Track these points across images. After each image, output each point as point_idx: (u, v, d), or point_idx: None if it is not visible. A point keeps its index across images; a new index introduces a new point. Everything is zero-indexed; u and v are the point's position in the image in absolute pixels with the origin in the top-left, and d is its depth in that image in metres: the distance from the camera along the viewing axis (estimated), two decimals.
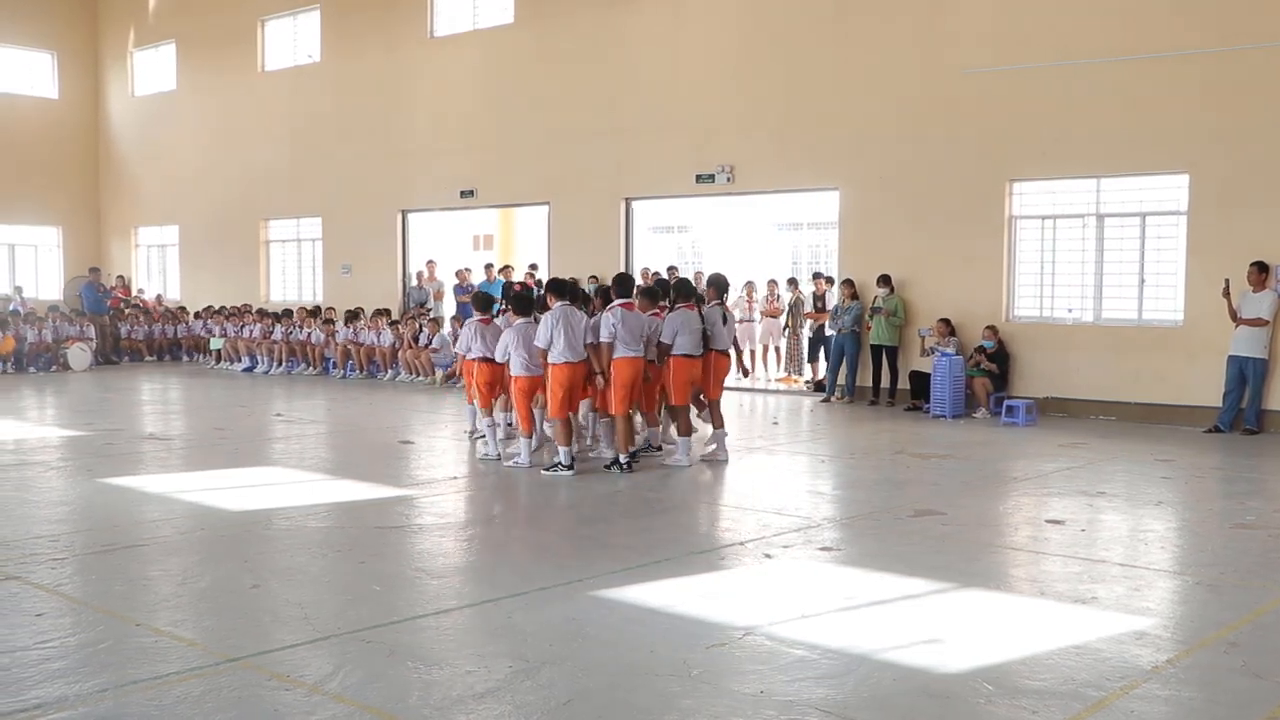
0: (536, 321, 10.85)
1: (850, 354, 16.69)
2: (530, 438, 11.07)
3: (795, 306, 19.31)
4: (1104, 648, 5.55)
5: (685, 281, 11.44)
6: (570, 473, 10.41)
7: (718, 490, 10.19)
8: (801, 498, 9.49)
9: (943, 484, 10.10)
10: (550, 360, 10.51)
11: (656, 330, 10.95)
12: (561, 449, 10.51)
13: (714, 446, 11.37)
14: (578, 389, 10.67)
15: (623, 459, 10.63)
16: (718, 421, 11.41)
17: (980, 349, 15.36)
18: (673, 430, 11.48)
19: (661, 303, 11.29)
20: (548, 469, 10.55)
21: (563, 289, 10.80)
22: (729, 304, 12.54)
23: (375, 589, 6.60)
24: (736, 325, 19.30)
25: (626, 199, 19.90)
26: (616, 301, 10.73)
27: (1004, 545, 7.89)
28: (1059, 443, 12.68)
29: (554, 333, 10.40)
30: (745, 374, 13.31)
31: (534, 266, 21.88)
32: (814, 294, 18.66)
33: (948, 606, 6.27)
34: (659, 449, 11.64)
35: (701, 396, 11.57)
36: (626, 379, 10.59)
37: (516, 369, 10.83)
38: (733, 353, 12.59)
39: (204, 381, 20.71)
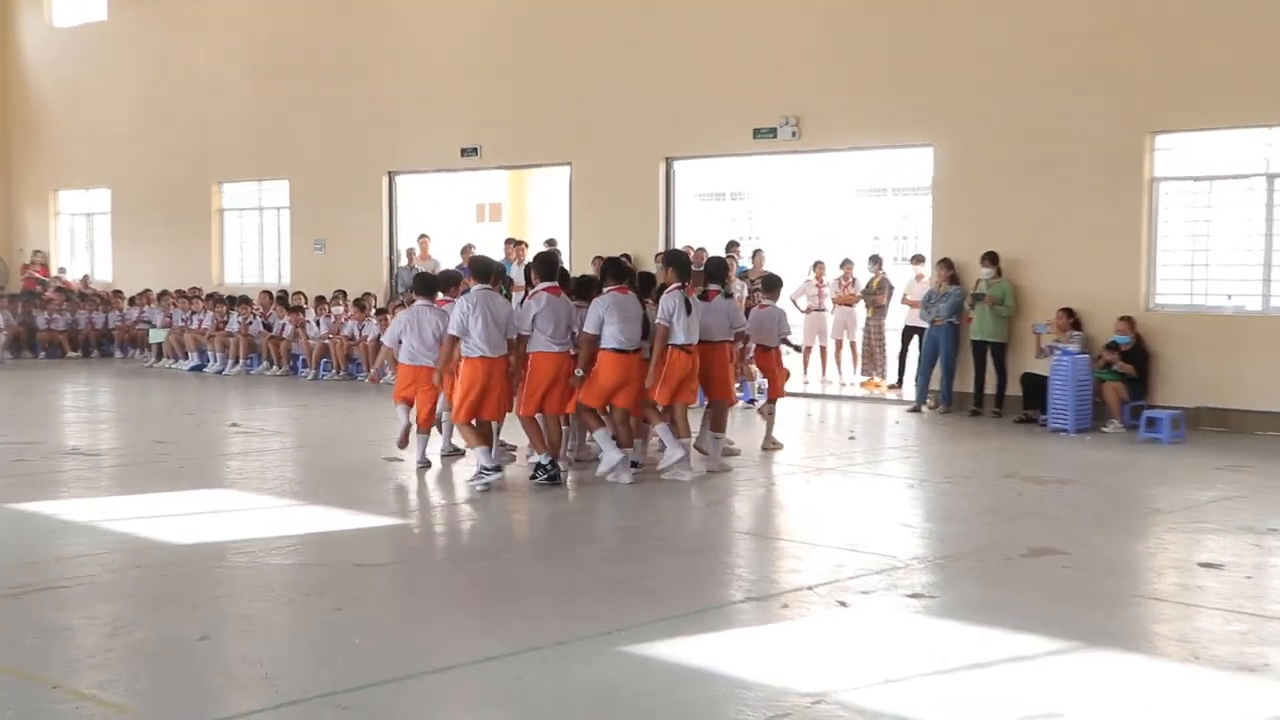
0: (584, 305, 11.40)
1: (946, 352, 16.63)
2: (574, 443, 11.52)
3: (876, 291, 19.33)
4: None
5: (615, 260, 11.78)
6: (497, 474, 10.76)
7: (779, 521, 10.24)
8: (884, 531, 9.45)
9: (1064, 516, 10.05)
10: (465, 353, 10.81)
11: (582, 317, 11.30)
12: (477, 451, 10.83)
13: (675, 459, 11.40)
14: (491, 388, 10.83)
15: (542, 459, 11.04)
16: (682, 428, 11.47)
17: (1112, 346, 15.25)
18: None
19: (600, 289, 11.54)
20: (473, 479, 10.90)
21: (552, 270, 11.26)
22: (793, 291, 12.59)
23: (354, 642, 6.62)
24: (803, 314, 19.39)
25: (667, 159, 19.83)
26: (540, 286, 11.17)
27: (1144, 595, 7.85)
28: (1215, 465, 12.58)
29: (469, 321, 10.70)
30: (752, 375, 13.43)
31: (551, 243, 21.87)
32: (873, 281, 18.67)
33: (1070, 672, 6.21)
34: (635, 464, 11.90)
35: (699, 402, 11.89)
36: (542, 379, 11.05)
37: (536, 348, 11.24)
38: (777, 349, 12.75)
39: (141, 383, 20.85)
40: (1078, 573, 8.18)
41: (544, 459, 11.07)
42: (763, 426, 13.40)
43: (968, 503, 10.64)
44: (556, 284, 11.23)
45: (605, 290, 11.26)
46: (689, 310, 11.18)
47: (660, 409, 11.32)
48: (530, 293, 11.44)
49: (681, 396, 11.39)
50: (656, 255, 18.35)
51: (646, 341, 11.31)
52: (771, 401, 13.47)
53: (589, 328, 11.02)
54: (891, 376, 19.05)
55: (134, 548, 8.70)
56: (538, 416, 11.19)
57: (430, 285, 12.35)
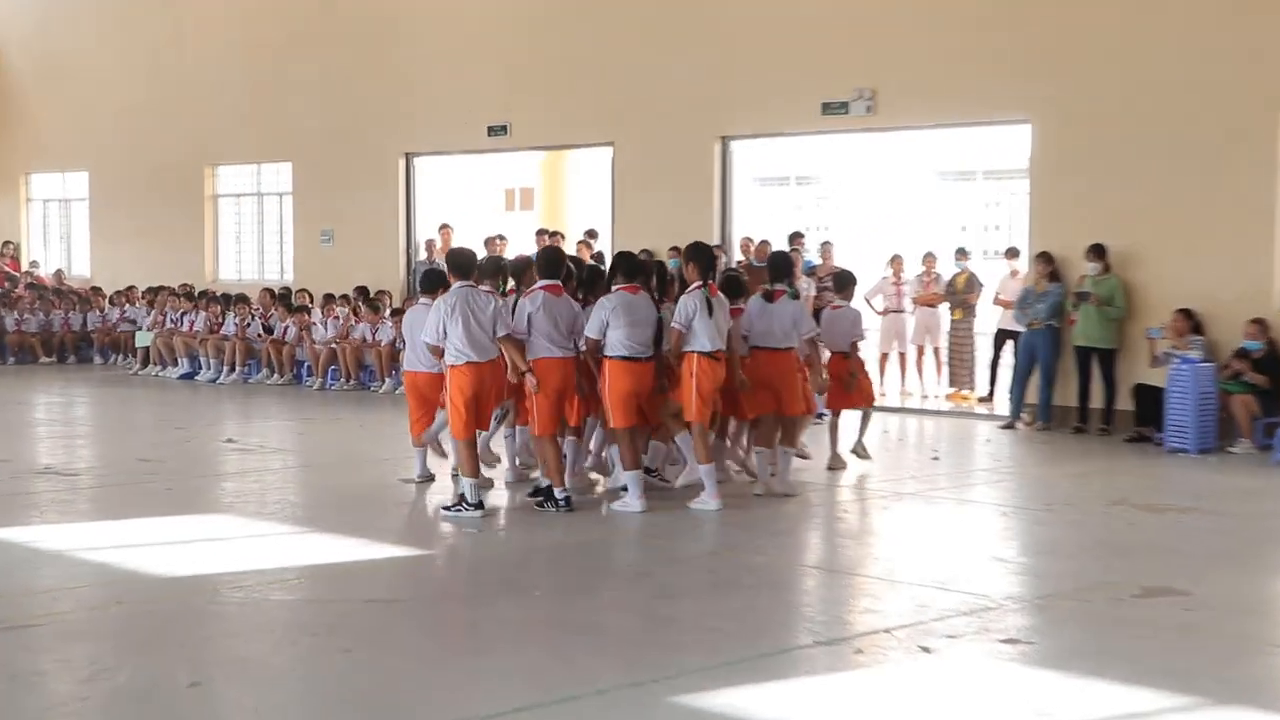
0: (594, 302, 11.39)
1: (1045, 359, 16.58)
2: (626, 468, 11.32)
3: (963, 290, 19.25)
4: None
5: (627, 255, 11.84)
6: (477, 513, 10.74)
7: (851, 553, 10.20)
8: (973, 567, 9.44)
9: (1185, 550, 10.00)
10: (449, 361, 10.83)
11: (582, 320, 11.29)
12: (466, 481, 10.87)
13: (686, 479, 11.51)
14: (486, 398, 10.95)
15: (558, 494, 10.98)
16: (700, 451, 11.44)
17: (1241, 353, 15.12)
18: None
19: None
20: (447, 508, 10.99)
21: (556, 267, 11.31)
22: (867, 290, 12.61)
23: (364, 689, 6.64)
24: (878, 316, 19.32)
25: (723, 138, 19.86)
26: (539, 284, 11.20)
27: (1278, 643, 7.82)
28: None
29: (446, 324, 10.75)
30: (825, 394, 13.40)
31: (591, 234, 21.94)
32: (960, 277, 18.55)
33: None
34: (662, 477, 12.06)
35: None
36: (554, 387, 10.97)
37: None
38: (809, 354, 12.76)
39: (124, 393, 21.02)
40: (1200, 616, 8.07)
41: (559, 493, 11.00)
42: (829, 442, 13.50)
43: (1071, 534, 10.59)
44: (559, 283, 11.23)
45: (614, 289, 11.23)
46: (711, 311, 11.12)
47: (676, 418, 11.35)
48: (526, 290, 11.45)
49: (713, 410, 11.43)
50: (671, 249, 18.32)
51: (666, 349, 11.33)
52: (836, 415, 13.58)
53: (591, 331, 11.00)
54: (981, 388, 18.96)
55: (115, 581, 8.70)
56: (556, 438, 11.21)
57: (435, 281, 12.34)
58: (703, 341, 11.08)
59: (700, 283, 11.27)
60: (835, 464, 13.33)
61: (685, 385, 11.15)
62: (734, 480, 12.35)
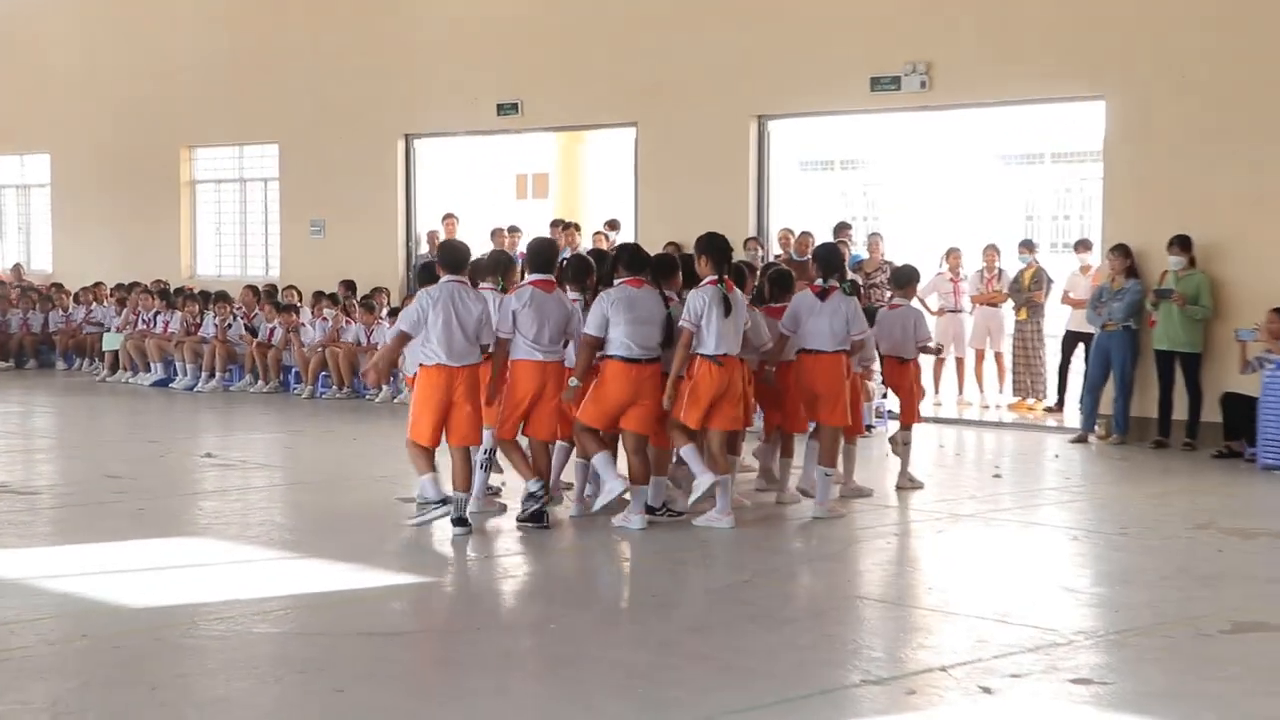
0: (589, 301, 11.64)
1: (1122, 365, 16.56)
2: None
3: (1029, 287, 19.15)
4: None
5: (629, 247, 12.06)
6: (444, 508, 10.98)
7: (904, 582, 10.25)
8: (1040, 597, 9.42)
9: None
10: (421, 360, 11.06)
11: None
12: (422, 480, 11.12)
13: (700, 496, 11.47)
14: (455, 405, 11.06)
15: (532, 485, 11.21)
16: (719, 462, 11.46)
17: None
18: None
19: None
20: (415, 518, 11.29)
21: (548, 260, 11.60)
22: (922, 288, 12.63)
23: None
24: (933, 317, 19.30)
25: (759, 117, 19.89)
26: (529, 278, 11.48)
27: None
28: None
29: (428, 316, 10.94)
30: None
31: (612, 225, 21.94)
32: (1025, 273, 18.52)
33: None
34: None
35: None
36: (526, 392, 11.25)
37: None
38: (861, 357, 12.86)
39: (91, 401, 21.05)
40: None
41: (534, 485, 11.22)
42: (895, 462, 13.47)
43: (1150, 561, 10.55)
44: (551, 278, 11.48)
45: (616, 282, 11.39)
46: (728, 311, 11.18)
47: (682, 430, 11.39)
48: (513, 286, 11.70)
49: (716, 421, 11.36)
50: (667, 244, 18.34)
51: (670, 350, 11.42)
52: (905, 428, 13.48)
53: (590, 329, 11.16)
54: (1050, 396, 18.95)
55: (79, 612, 8.71)
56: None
57: (433, 276, 12.35)
58: (708, 344, 11.12)
59: (715, 277, 11.32)
60: (906, 484, 13.27)
61: (682, 388, 11.22)
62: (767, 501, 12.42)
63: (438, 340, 10.82)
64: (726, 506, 11.34)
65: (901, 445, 13.41)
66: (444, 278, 11.17)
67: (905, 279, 14.11)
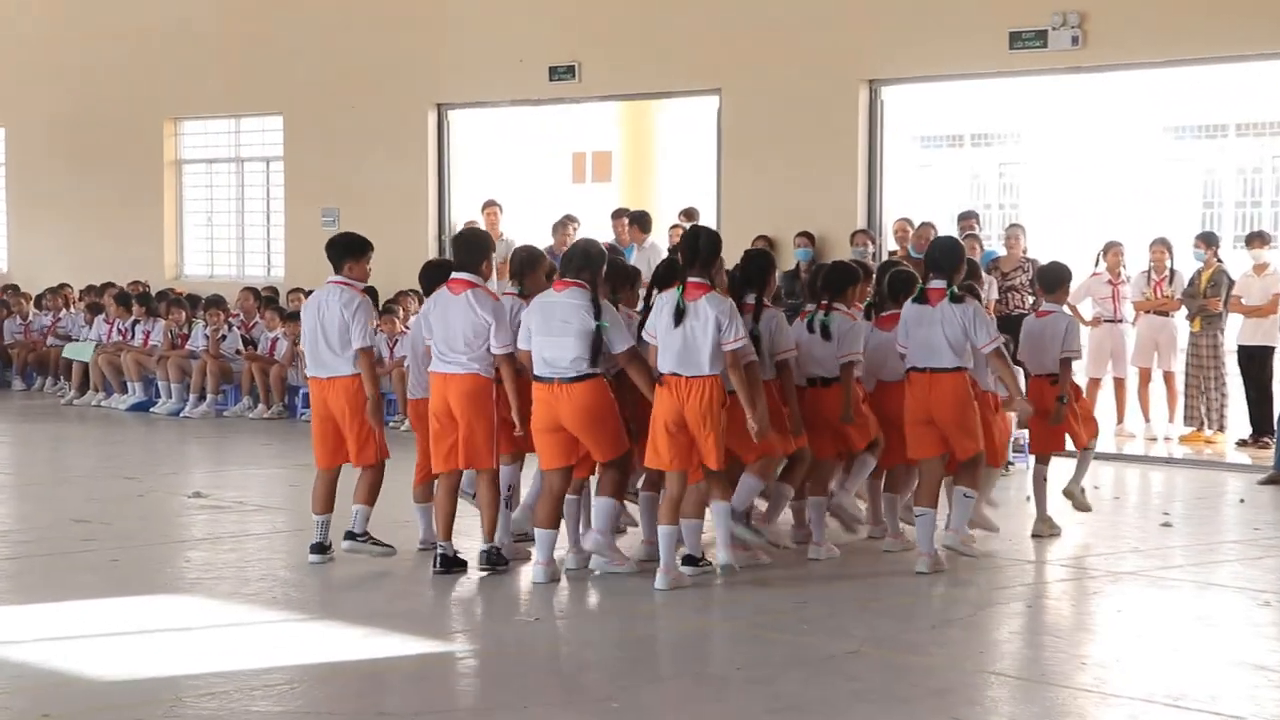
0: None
1: None
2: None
3: (1207, 291, 18.72)
4: None
5: (582, 242, 12.34)
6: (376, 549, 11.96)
7: (1050, 654, 9.97)
8: (1222, 677, 9.20)
9: None
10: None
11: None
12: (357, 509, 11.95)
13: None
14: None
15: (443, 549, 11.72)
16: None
17: None
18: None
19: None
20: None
21: (582, 263, 11.78)
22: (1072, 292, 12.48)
23: None
24: (1087, 328, 19.17)
25: (871, 82, 19.84)
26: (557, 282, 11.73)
27: None
28: None
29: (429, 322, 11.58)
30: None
31: (689, 214, 21.77)
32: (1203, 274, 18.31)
33: None
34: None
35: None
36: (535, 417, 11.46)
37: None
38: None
39: (55, 429, 21.13)
40: None
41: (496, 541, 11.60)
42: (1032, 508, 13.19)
43: None
44: (583, 284, 11.52)
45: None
46: (678, 320, 11.22)
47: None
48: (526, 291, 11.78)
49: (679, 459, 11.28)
50: (799, 235, 18.36)
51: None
52: (1042, 461, 13.23)
53: (519, 340, 11.44)
54: (1237, 427, 18.55)
55: (42, 684, 8.71)
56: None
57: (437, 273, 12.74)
58: (664, 360, 11.19)
59: (695, 281, 11.29)
60: (1043, 530, 13.01)
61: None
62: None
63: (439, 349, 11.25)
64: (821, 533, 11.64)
65: (1040, 481, 13.15)
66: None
67: (1055, 280, 13.43)
